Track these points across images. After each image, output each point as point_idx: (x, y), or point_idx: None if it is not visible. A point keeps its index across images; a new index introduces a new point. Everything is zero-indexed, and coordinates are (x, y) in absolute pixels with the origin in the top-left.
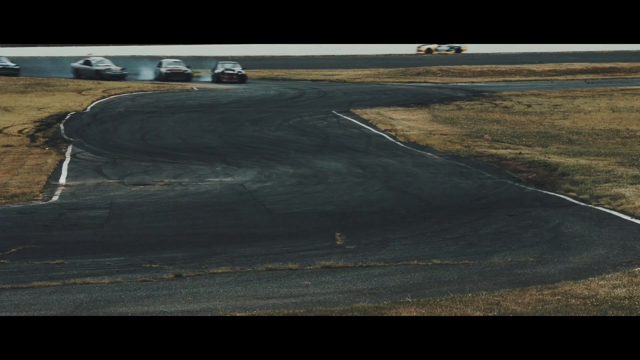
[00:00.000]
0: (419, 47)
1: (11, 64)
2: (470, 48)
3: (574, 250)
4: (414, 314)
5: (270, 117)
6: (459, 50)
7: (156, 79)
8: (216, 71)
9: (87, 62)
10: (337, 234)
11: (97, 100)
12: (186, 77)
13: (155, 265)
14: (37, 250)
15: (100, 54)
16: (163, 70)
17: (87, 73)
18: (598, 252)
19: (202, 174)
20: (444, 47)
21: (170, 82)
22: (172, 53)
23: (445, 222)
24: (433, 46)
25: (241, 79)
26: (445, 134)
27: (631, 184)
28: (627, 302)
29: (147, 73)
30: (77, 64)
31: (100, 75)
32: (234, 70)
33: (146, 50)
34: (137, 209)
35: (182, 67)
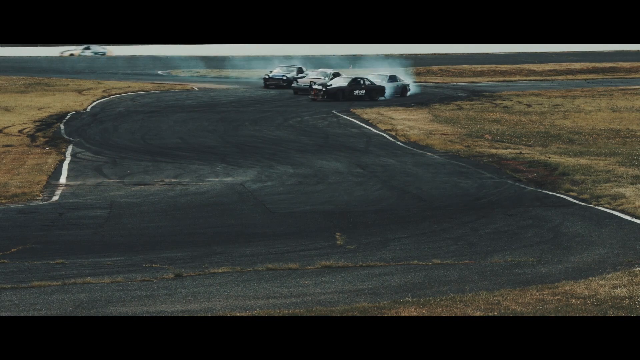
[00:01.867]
0: (62, 52)
1: (283, 74)
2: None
3: (574, 250)
4: (414, 313)
5: (270, 116)
6: (103, 54)
7: None
8: None
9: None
10: (337, 233)
11: (98, 100)
12: None
13: (155, 265)
14: (37, 250)
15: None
16: None
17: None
18: (598, 252)
19: (202, 174)
20: (89, 52)
21: None
22: (181, 53)
23: (445, 222)
24: (77, 52)
25: None
26: (445, 134)
27: (631, 183)
28: (627, 302)
29: None
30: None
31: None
32: None
33: (148, 50)
34: (137, 209)
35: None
